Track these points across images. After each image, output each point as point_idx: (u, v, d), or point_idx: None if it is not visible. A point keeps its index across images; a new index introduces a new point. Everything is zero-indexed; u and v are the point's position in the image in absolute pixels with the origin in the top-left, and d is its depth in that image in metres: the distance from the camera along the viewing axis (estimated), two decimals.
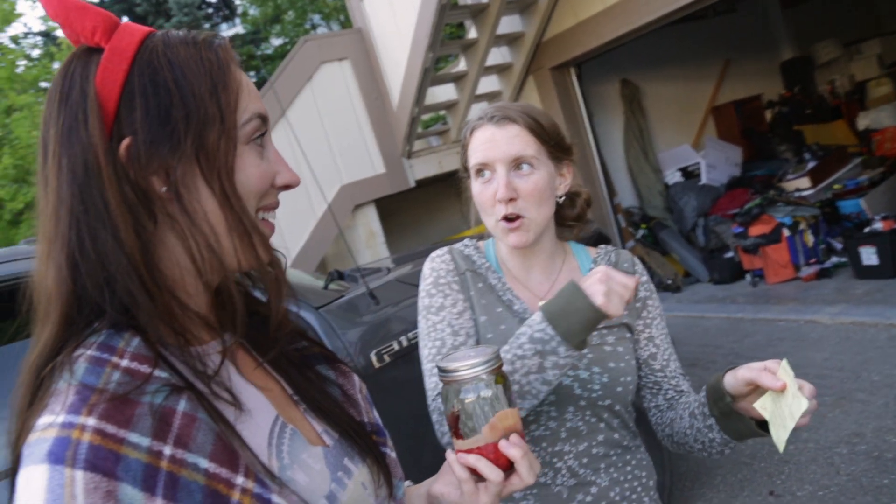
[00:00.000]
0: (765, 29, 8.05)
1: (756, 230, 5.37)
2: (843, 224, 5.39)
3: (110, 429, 0.51)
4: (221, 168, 0.61)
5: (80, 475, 0.49)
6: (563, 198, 1.16)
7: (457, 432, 0.76)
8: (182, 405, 0.57)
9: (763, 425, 0.93)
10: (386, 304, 2.21)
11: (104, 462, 0.49)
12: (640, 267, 1.20)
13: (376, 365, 2.04)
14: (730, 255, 5.79)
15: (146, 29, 0.64)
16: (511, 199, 1.05)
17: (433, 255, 1.18)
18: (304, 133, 5.56)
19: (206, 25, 12.69)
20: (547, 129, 1.09)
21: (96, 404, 0.52)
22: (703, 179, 6.30)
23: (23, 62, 10.65)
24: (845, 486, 2.60)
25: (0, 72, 9.02)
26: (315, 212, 5.48)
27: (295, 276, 2.94)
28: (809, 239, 5.27)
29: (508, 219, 1.07)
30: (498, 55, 5.77)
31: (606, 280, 0.91)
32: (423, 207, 6.74)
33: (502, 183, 1.05)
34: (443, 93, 6.13)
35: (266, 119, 0.67)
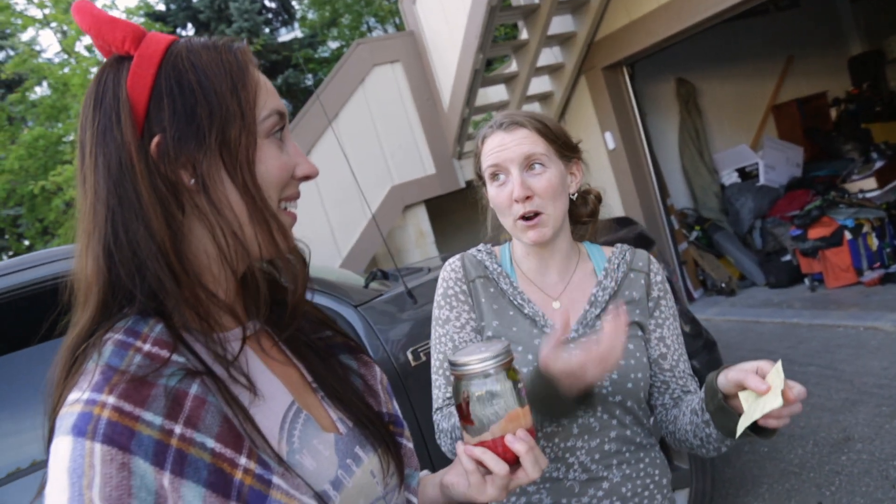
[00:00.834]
0: (831, 23, 7.74)
1: (815, 233, 5.18)
2: None
3: (127, 407, 0.56)
4: (243, 161, 0.66)
5: (98, 447, 0.54)
6: (576, 195, 1.19)
7: (466, 424, 0.78)
8: (195, 388, 0.61)
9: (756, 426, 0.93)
10: (424, 303, 2.25)
11: (120, 437, 0.55)
12: (655, 266, 1.22)
13: (413, 362, 2.09)
14: (787, 258, 5.60)
15: (170, 37, 0.69)
16: (527, 198, 1.09)
17: (447, 263, 1.22)
18: (356, 135, 5.68)
19: (266, 30, 13.06)
20: (553, 130, 1.14)
21: (117, 384, 0.57)
22: (762, 180, 6.11)
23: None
24: None
25: (75, 78, 9.48)
26: (366, 213, 5.60)
27: (340, 274, 3.02)
28: (874, 242, 5.05)
29: (526, 217, 1.11)
30: (549, 55, 5.75)
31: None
32: (473, 208, 6.73)
33: (517, 182, 1.09)
34: (494, 94, 6.15)
35: (284, 115, 0.71)
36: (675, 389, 1.17)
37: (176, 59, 0.66)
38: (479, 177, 1.21)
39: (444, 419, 1.15)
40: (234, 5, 12.00)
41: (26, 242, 11.77)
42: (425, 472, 0.94)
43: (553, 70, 5.80)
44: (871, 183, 5.52)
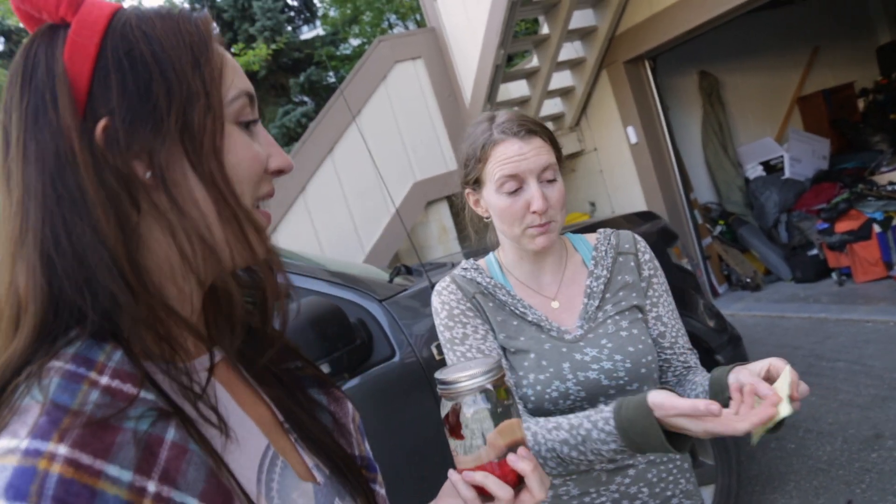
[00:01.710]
0: (859, 12, 7.60)
1: (843, 226, 5.11)
2: None
3: (85, 459, 0.44)
4: (209, 149, 0.55)
5: None
6: None
7: (456, 439, 0.71)
8: (171, 434, 0.49)
9: None
10: None
11: (77, 499, 0.42)
12: (641, 245, 1.23)
13: (437, 357, 2.11)
14: (814, 252, 5.53)
15: (115, 4, 0.58)
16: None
17: (437, 288, 1.19)
18: (379, 131, 5.71)
19: (289, 28, 13.14)
20: (555, 139, 1.17)
21: (69, 429, 0.44)
22: (787, 173, 6.03)
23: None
24: None
25: None
26: (389, 209, 5.63)
27: (365, 269, 3.05)
28: None
29: (538, 225, 1.12)
30: (571, 50, 5.73)
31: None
32: None
33: (538, 195, 1.09)
34: (515, 89, 6.14)
35: (253, 97, 0.61)
36: (678, 367, 1.19)
37: (125, 27, 0.55)
38: (473, 182, 1.18)
39: None
40: (257, 4, 12.10)
41: None
42: None
43: (574, 64, 5.78)
44: None
